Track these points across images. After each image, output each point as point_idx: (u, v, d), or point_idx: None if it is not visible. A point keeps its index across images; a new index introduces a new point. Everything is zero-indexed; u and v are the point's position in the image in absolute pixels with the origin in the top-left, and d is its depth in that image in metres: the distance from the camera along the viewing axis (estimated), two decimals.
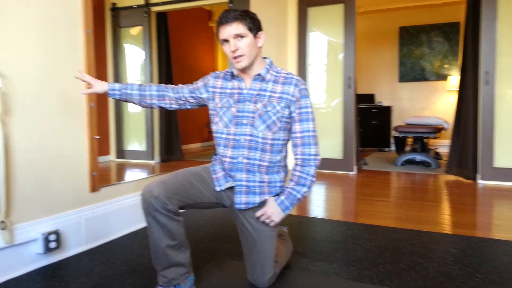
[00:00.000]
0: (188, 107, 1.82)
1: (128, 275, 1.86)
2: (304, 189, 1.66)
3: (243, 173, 1.66)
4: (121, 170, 4.07)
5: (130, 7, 4.47)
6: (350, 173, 4.70)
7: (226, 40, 1.58)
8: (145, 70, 4.50)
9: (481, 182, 4.04)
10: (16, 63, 1.83)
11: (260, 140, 1.63)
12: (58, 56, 2.03)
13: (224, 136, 1.68)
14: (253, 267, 1.70)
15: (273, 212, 1.65)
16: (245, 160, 1.64)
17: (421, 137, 5.39)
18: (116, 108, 4.49)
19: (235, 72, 1.69)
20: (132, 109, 4.62)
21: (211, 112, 1.75)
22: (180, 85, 1.81)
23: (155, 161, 4.46)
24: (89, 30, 2.19)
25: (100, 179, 2.31)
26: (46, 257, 1.97)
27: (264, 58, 1.71)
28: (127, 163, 4.38)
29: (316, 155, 1.66)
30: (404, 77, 7.34)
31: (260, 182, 1.67)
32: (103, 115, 4.35)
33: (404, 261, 2.02)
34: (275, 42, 4.65)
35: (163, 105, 1.79)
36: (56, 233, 1.96)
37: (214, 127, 1.73)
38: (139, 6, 4.45)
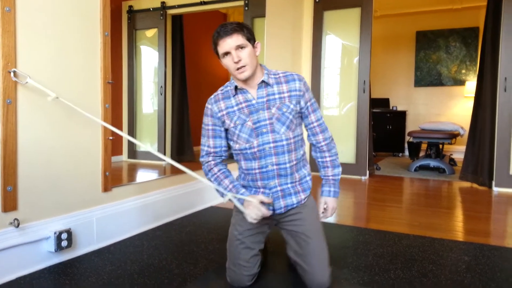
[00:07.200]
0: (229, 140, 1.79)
1: (138, 275, 1.87)
2: (340, 168, 1.83)
3: (275, 179, 1.69)
4: (132, 170, 4.11)
5: (147, 10, 4.52)
6: (363, 178, 4.66)
7: (227, 53, 1.58)
8: (159, 71, 4.54)
9: (496, 189, 3.96)
10: (39, 64, 1.86)
11: (284, 142, 1.66)
12: (77, 58, 2.06)
13: (248, 151, 1.69)
14: (313, 267, 1.64)
15: (334, 204, 1.81)
16: (275, 167, 1.67)
17: (436, 142, 5.31)
18: (129, 109, 4.53)
19: (239, 85, 1.68)
20: (145, 110, 4.66)
21: (228, 134, 1.75)
22: (211, 142, 1.75)
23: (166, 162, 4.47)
24: (107, 32, 2.22)
25: (112, 179, 2.34)
26: (57, 255, 1.99)
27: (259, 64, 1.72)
28: (139, 163, 4.41)
29: (331, 136, 1.81)
30: (420, 81, 7.26)
31: (291, 183, 1.71)
32: (117, 116, 4.40)
33: (415, 268, 1.99)
34: (290, 46, 4.65)
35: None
36: (68, 232, 1.99)
37: (236, 146, 1.72)
38: (155, 9, 4.49)
